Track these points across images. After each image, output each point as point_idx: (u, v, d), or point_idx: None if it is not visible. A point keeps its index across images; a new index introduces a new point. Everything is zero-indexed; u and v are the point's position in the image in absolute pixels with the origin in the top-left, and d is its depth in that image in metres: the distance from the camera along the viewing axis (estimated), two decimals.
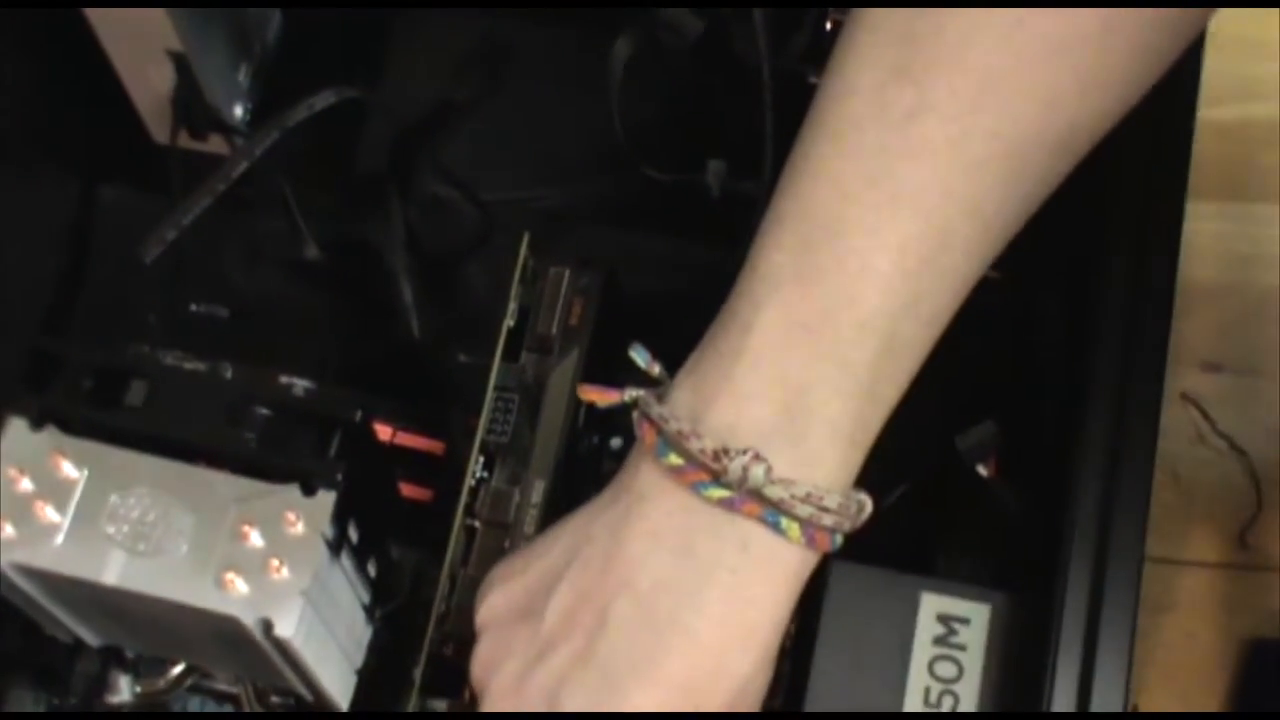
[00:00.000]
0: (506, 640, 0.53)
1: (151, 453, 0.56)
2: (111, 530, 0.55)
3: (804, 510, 0.49)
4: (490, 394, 0.62)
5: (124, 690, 0.65)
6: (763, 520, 0.49)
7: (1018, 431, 0.61)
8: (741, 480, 0.49)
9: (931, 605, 0.57)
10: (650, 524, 0.51)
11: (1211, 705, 0.72)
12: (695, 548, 0.50)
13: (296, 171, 0.67)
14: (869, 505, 0.51)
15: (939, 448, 0.60)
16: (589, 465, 0.65)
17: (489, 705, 0.52)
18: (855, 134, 0.49)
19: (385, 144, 0.70)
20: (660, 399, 0.51)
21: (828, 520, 0.50)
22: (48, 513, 0.55)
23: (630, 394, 0.52)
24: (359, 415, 0.57)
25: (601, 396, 0.54)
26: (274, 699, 0.65)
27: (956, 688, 0.56)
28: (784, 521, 0.49)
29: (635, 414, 0.52)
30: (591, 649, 0.50)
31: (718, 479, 0.49)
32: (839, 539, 0.51)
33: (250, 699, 0.65)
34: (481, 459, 0.62)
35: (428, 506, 0.65)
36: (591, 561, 0.51)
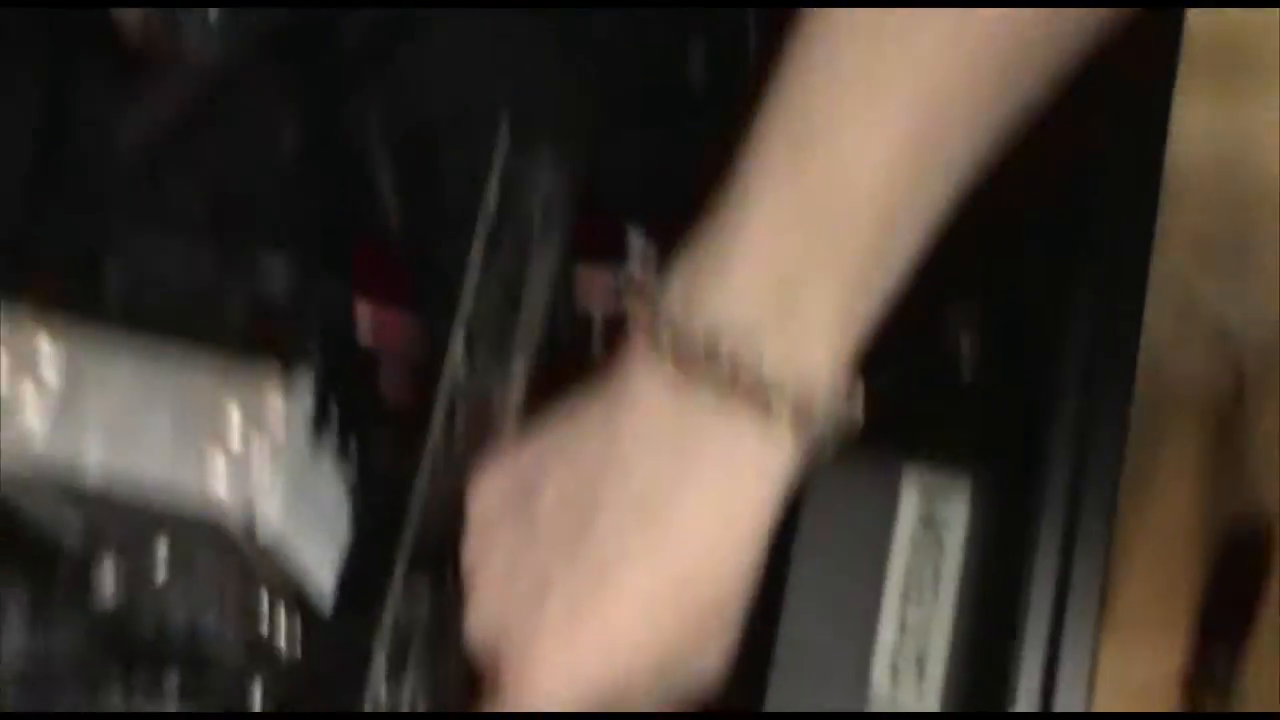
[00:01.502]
0: (496, 533, 0.53)
1: (130, 330, 0.56)
2: (89, 409, 0.55)
3: (796, 405, 0.49)
4: (471, 278, 0.62)
5: (106, 586, 0.65)
6: (754, 415, 0.49)
7: (1001, 307, 0.61)
8: (733, 373, 0.48)
9: (913, 481, 0.57)
10: (640, 417, 0.51)
11: (1189, 586, 0.73)
12: (686, 447, 0.50)
13: (275, 51, 0.66)
14: (860, 406, 0.51)
15: (922, 323, 0.60)
16: (573, 351, 0.65)
17: (478, 597, 0.53)
18: (848, 23, 0.48)
19: (365, 25, 0.69)
20: (652, 288, 0.51)
21: (818, 425, 0.50)
22: (26, 391, 0.55)
23: (622, 279, 0.52)
24: (338, 294, 0.57)
25: (591, 280, 0.53)
26: (260, 585, 0.65)
27: (939, 564, 0.56)
28: (775, 425, 0.49)
29: (626, 301, 0.52)
30: (582, 539, 0.51)
31: (709, 372, 0.49)
32: (829, 444, 0.51)
33: (234, 598, 0.65)
34: (463, 341, 0.62)
35: (408, 389, 0.65)
36: (583, 456, 0.52)
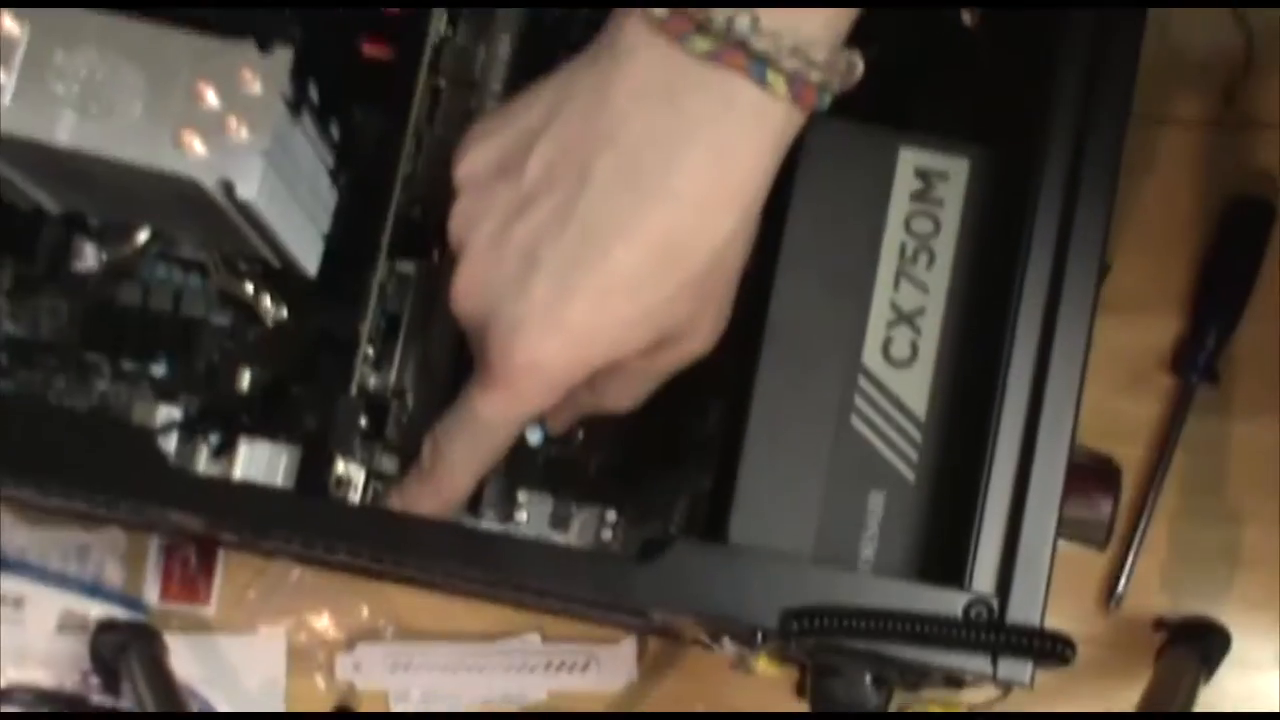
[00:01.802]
0: (485, 197, 0.52)
1: (98, 7, 0.53)
2: (60, 90, 0.53)
3: (791, 64, 0.48)
4: None
5: (89, 257, 0.65)
6: (749, 74, 0.48)
7: None
8: (727, 30, 0.47)
9: (909, 160, 0.56)
10: (634, 79, 0.49)
11: (1185, 265, 0.73)
12: (680, 102, 0.49)
13: None
14: (860, 65, 0.50)
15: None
16: (557, 31, 0.63)
17: (467, 263, 0.52)
18: None
19: None
20: None
21: (815, 75, 0.49)
22: None
23: None
24: None
25: None
26: (242, 266, 0.64)
27: (933, 243, 0.56)
28: (770, 75, 0.48)
29: None
30: (571, 205, 0.50)
31: (703, 30, 0.48)
32: (826, 98, 0.50)
33: (217, 265, 0.64)
34: (445, 20, 0.60)
35: (390, 67, 0.63)
36: (573, 118, 0.50)
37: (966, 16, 0.58)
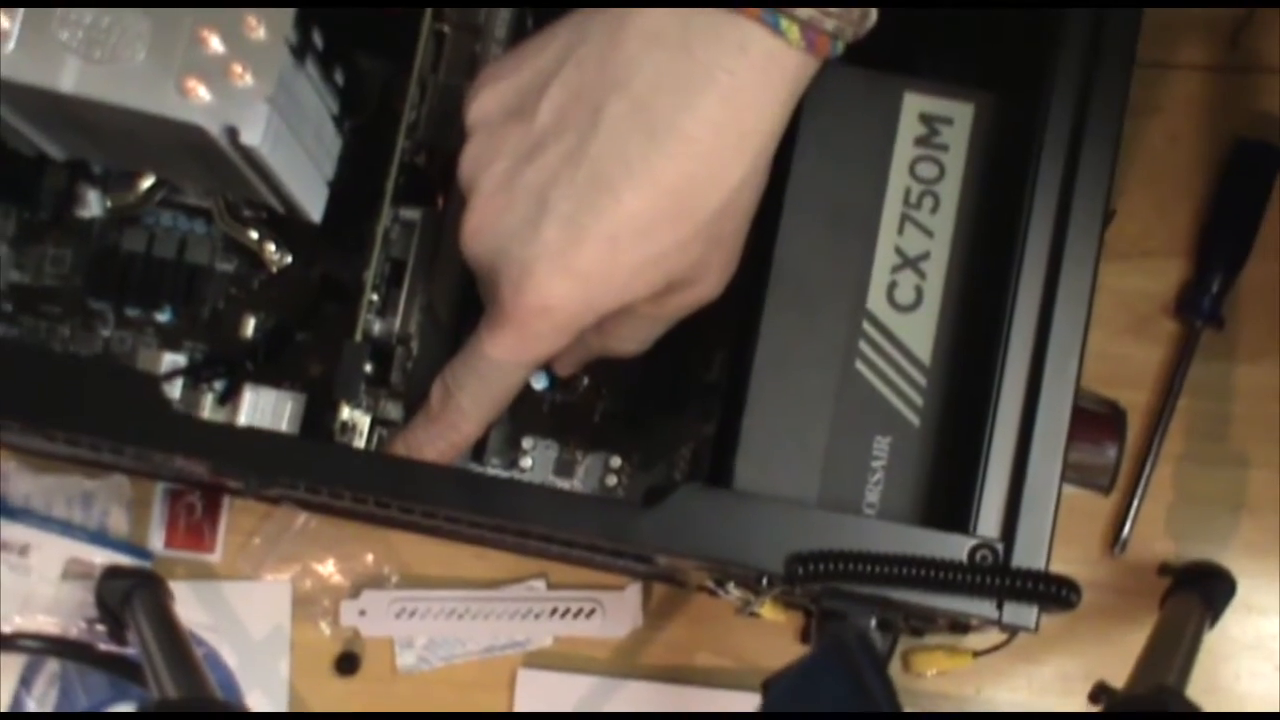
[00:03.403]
0: (496, 139, 0.52)
1: None
2: (64, 36, 0.53)
3: (805, 12, 0.48)
4: None
5: (93, 204, 0.65)
6: (762, 21, 0.48)
7: None
8: None
9: (914, 105, 0.56)
10: (648, 23, 0.49)
11: (1189, 210, 0.72)
12: (693, 48, 0.49)
13: None
14: (873, 14, 0.50)
15: None
16: None
17: (477, 205, 0.52)
18: None
19: None
20: None
21: (829, 24, 0.49)
22: None
23: None
24: None
25: None
26: (246, 213, 0.64)
27: (937, 188, 0.56)
28: (784, 22, 0.48)
29: None
30: (583, 148, 0.50)
31: None
32: (840, 46, 0.50)
33: (221, 212, 0.64)
34: None
35: (394, 12, 0.62)
36: (586, 61, 0.50)
37: None
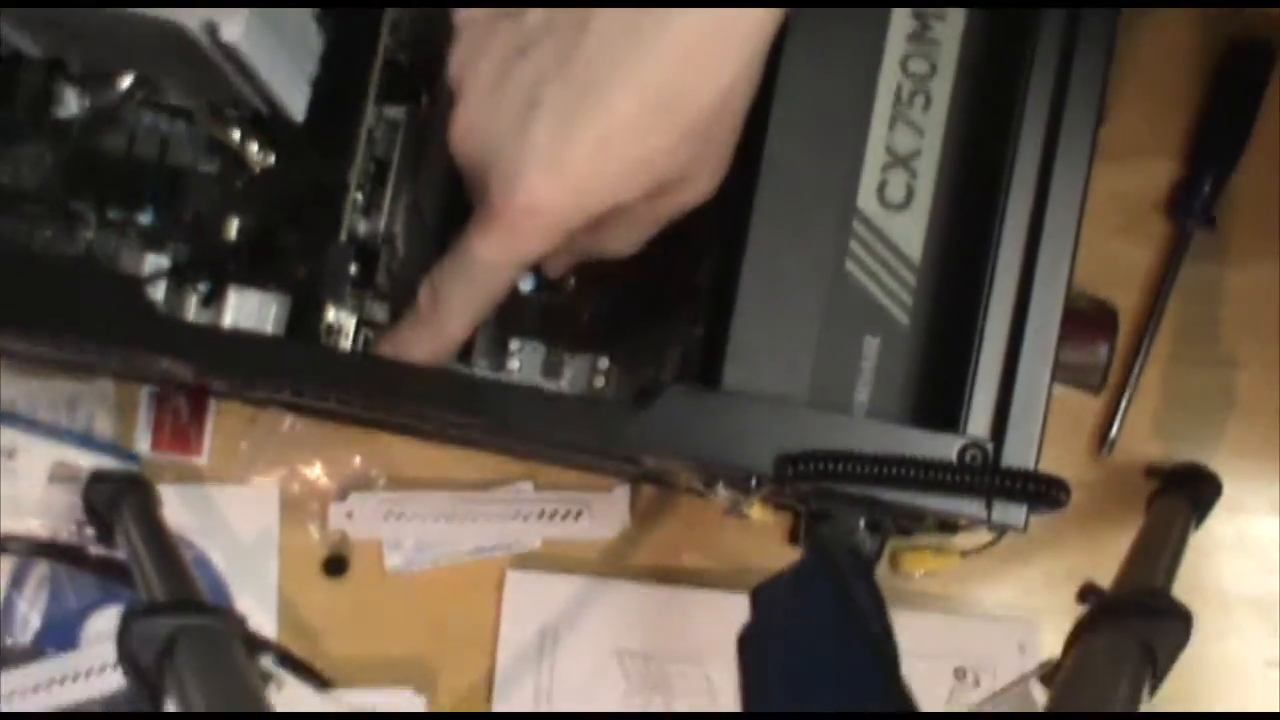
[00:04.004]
0: (485, 38, 0.51)
1: None
2: None
3: None
4: None
5: (71, 103, 0.64)
6: None
7: None
8: None
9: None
10: None
11: (1183, 110, 0.72)
12: None
13: None
14: None
15: None
16: None
17: (466, 104, 0.52)
18: None
19: None
20: None
21: None
22: None
23: None
24: None
25: None
26: (228, 112, 0.63)
27: (929, 86, 0.55)
28: None
29: None
30: (573, 48, 0.49)
31: None
32: None
33: (203, 112, 0.63)
34: None
35: None
36: None
37: None
